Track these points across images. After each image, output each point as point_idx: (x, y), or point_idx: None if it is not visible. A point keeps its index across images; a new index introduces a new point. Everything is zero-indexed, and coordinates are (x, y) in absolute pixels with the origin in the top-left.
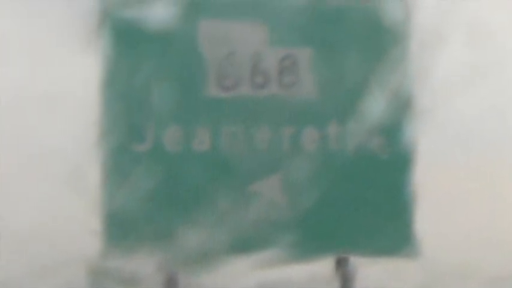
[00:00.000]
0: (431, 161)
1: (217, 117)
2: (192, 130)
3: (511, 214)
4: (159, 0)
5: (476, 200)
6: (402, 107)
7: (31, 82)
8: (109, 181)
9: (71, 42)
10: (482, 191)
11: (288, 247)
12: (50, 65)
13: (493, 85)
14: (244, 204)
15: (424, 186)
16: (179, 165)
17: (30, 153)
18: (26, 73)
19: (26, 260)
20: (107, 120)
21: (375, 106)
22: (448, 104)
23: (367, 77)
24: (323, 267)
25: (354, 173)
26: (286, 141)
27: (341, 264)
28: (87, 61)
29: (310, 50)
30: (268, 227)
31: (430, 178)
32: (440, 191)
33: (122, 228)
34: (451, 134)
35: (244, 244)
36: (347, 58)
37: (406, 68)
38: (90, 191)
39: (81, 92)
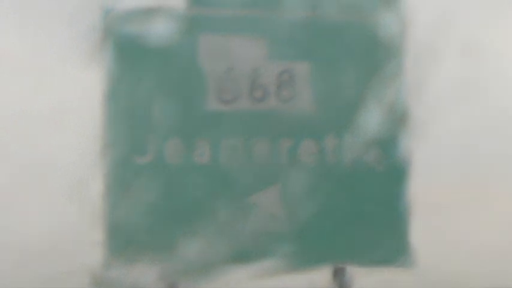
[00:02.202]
0: (426, 173)
1: (217, 130)
2: (193, 143)
3: (504, 226)
4: (160, 16)
5: (470, 211)
6: (398, 120)
7: (35, 97)
8: (111, 193)
9: (74, 58)
10: (476, 203)
11: (286, 257)
12: (54, 80)
13: (486, 99)
14: (243, 216)
15: (419, 198)
16: (180, 177)
17: (34, 166)
18: (30, 88)
19: (29, 271)
20: (109, 133)
21: (371, 119)
22: (442, 117)
23: (363, 91)
24: (320, 277)
25: (350, 184)
26: (284, 153)
27: (338, 274)
28: (90, 76)
29: (308, 65)
30: (266, 238)
31: (425, 190)
32: (435, 202)
33: (123, 238)
34: (445, 146)
35: (243, 254)
36: (344, 72)
37: (401, 82)
38: (93, 203)
39: (84, 106)
